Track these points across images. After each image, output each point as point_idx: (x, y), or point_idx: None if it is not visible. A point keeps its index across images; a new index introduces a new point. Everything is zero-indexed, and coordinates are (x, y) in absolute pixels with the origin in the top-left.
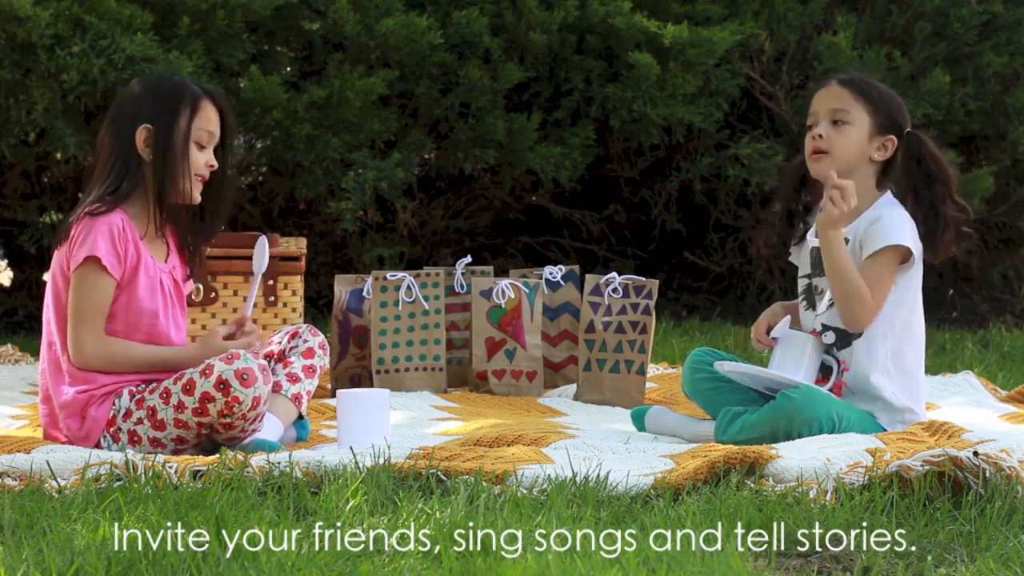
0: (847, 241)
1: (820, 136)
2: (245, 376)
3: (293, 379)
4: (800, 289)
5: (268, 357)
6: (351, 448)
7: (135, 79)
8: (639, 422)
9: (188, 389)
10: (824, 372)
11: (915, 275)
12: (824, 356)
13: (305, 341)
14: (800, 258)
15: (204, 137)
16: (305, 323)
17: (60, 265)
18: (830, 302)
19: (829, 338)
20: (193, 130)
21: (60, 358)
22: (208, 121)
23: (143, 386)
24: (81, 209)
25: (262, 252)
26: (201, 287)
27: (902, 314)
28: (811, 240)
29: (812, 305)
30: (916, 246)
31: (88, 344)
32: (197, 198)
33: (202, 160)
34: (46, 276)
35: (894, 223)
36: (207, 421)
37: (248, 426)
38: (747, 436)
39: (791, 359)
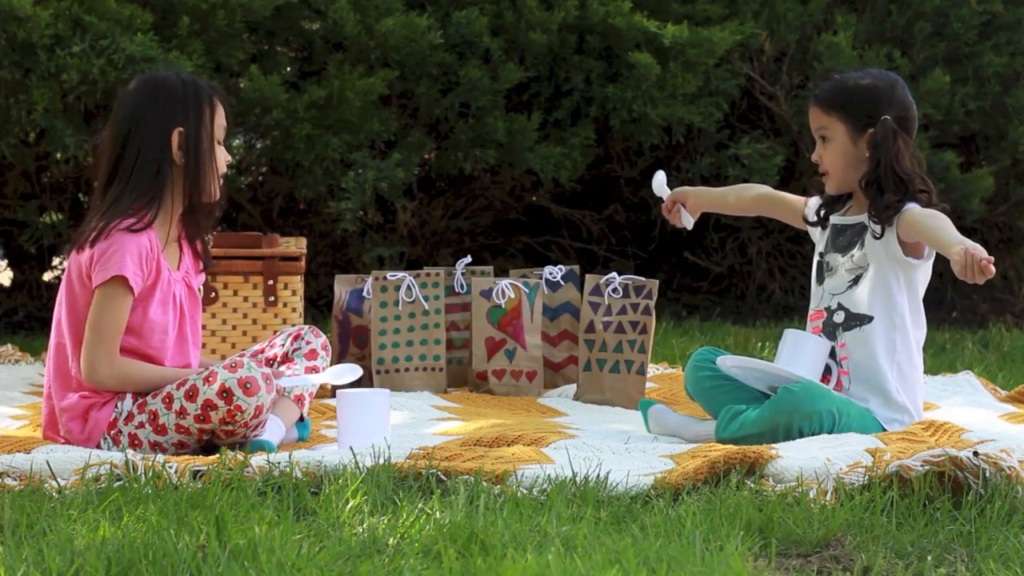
0: (864, 230)
1: (816, 160)
2: (248, 385)
3: None
4: (814, 265)
5: (271, 360)
6: (351, 448)
7: (137, 80)
8: (645, 413)
9: (191, 395)
10: (823, 374)
11: (924, 274)
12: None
13: (308, 343)
14: (818, 237)
15: (222, 134)
16: (306, 324)
17: (79, 270)
18: (849, 283)
19: (839, 317)
20: (215, 128)
21: (69, 364)
22: (223, 117)
23: None
24: (112, 220)
25: (350, 375)
26: (201, 287)
27: (914, 307)
28: (833, 219)
29: (820, 280)
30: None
31: (104, 365)
32: (219, 194)
33: (223, 157)
34: (47, 276)
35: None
36: (209, 427)
37: (250, 433)
38: (747, 433)
39: (797, 357)
